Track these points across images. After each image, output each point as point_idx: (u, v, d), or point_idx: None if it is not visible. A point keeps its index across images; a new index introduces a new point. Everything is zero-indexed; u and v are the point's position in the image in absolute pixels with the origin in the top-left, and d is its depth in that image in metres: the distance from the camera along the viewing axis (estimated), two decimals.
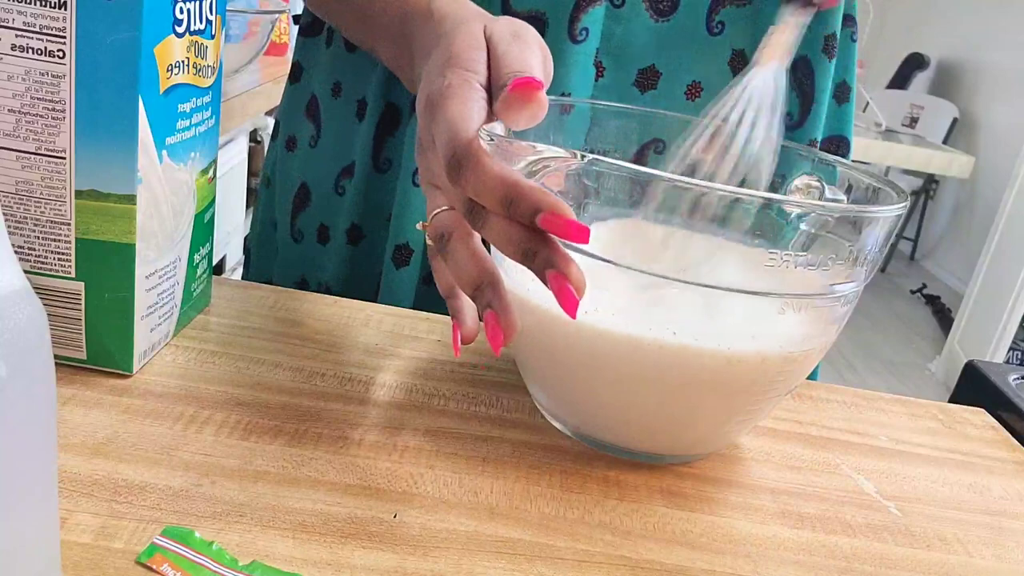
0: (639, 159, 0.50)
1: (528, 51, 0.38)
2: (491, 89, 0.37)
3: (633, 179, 0.36)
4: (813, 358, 0.41)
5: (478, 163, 0.33)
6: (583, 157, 0.34)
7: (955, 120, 4.09)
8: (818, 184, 0.45)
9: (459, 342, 0.40)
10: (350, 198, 0.62)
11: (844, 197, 0.45)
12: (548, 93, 0.36)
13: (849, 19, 0.63)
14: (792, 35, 0.47)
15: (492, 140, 0.34)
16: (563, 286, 0.31)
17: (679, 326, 0.38)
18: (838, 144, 0.66)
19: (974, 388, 0.60)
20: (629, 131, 0.50)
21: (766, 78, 0.45)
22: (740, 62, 0.58)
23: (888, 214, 0.37)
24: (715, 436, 0.42)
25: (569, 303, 0.31)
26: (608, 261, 0.37)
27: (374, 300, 0.61)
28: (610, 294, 0.37)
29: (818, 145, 0.63)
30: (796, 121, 0.62)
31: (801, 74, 0.61)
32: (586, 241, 0.31)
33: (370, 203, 0.62)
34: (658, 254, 0.40)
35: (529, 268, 0.32)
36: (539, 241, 0.32)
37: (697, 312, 0.38)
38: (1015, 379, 0.59)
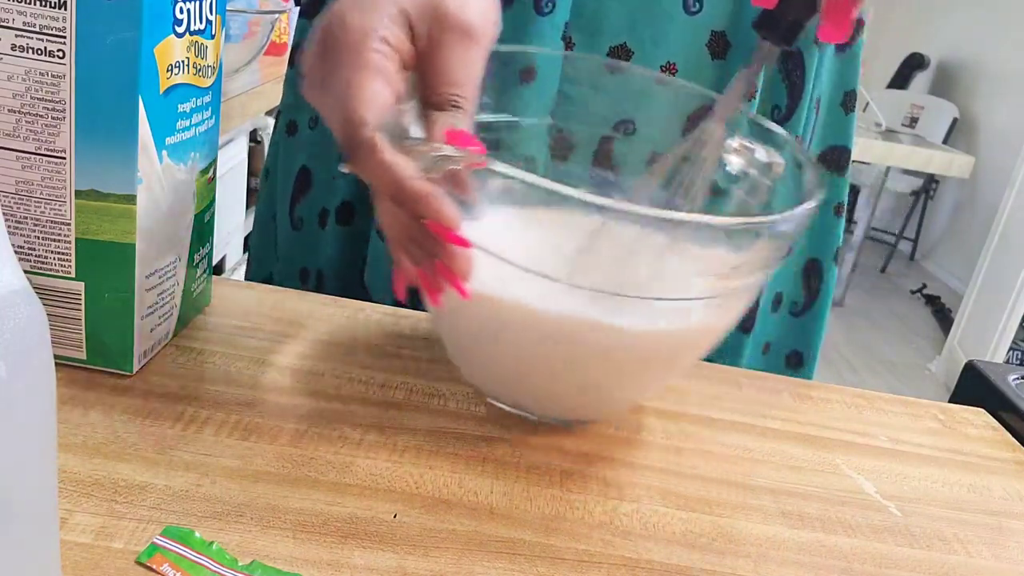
0: (604, 145, 0.50)
1: (471, 65, 0.37)
2: (424, 78, 0.36)
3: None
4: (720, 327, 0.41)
5: (370, 154, 0.34)
6: (483, 161, 0.34)
7: (955, 120, 4.09)
8: (751, 146, 0.46)
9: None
10: (344, 178, 0.61)
11: (781, 160, 0.45)
12: (512, 55, 0.38)
13: (858, 21, 0.62)
14: (744, 89, 0.46)
15: (392, 135, 0.34)
16: (443, 278, 0.36)
17: (585, 298, 0.38)
18: (840, 154, 0.64)
19: (974, 388, 0.60)
20: (598, 108, 0.49)
21: (717, 141, 0.46)
22: (719, 45, 0.56)
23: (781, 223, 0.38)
24: (619, 402, 0.45)
25: (435, 293, 0.36)
26: (526, 269, 0.37)
27: (361, 281, 0.60)
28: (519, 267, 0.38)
29: (805, 143, 0.61)
30: (784, 115, 0.60)
31: (792, 64, 0.59)
32: (468, 246, 0.35)
33: (362, 181, 0.61)
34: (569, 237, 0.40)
35: (409, 255, 0.36)
36: (424, 234, 0.35)
37: (606, 279, 0.38)
38: (1015, 379, 0.59)
